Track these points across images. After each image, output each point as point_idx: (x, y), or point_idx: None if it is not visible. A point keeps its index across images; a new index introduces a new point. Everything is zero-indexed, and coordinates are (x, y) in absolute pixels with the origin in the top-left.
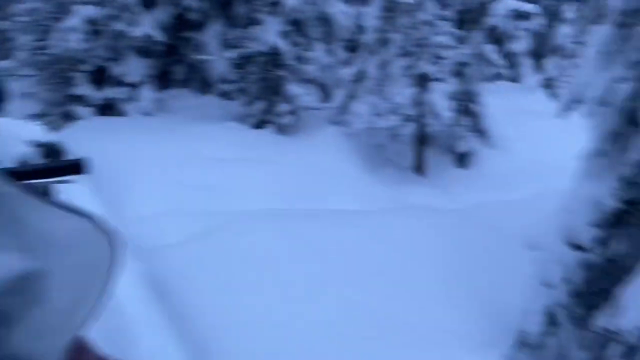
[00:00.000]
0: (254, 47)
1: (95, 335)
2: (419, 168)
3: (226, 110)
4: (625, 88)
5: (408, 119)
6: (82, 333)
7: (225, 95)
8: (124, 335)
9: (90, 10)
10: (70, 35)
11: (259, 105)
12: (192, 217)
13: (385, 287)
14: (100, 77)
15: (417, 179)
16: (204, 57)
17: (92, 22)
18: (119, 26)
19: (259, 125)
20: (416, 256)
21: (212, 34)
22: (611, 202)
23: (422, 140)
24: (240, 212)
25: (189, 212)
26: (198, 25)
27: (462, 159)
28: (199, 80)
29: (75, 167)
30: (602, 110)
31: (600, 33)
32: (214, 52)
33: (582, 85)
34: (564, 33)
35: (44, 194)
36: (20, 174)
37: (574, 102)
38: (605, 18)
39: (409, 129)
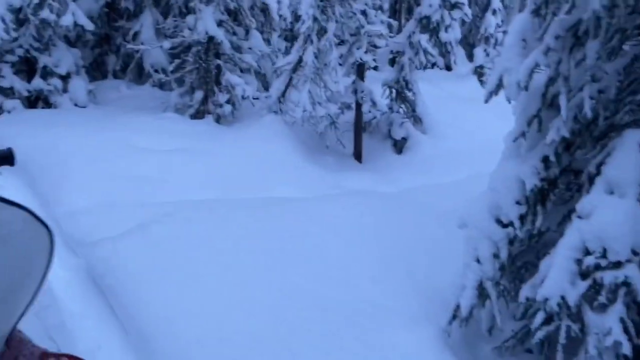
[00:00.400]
0: (190, 36)
1: (34, 332)
2: (358, 155)
3: (163, 100)
4: (542, 73)
5: (346, 106)
6: (20, 325)
7: (161, 85)
8: (63, 331)
9: None
10: None
11: (197, 95)
12: (129, 209)
13: (325, 269)
14: (29, 68)
15: (357, 165)
16: (138, 46)
17: (16, 10)
18: (44, 15)
19: (198, 115)
20: (355, 238)
21: (146, 23)
22: (532, 181)
23: (360, 127)
24: (178, 202)
25: (126, 204)
26: (131, 14)
27: (398, 145)
28: (134, 71)
29: (3, 158)
30: (523, 93)
31: (518, 20)
32: (149, 41)
33: (503, 70)
34: (492, 22)
35: None
36: None
37: (497, 87)
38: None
39: (347, 116)
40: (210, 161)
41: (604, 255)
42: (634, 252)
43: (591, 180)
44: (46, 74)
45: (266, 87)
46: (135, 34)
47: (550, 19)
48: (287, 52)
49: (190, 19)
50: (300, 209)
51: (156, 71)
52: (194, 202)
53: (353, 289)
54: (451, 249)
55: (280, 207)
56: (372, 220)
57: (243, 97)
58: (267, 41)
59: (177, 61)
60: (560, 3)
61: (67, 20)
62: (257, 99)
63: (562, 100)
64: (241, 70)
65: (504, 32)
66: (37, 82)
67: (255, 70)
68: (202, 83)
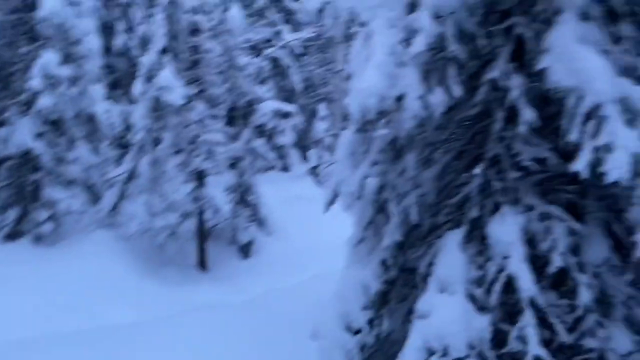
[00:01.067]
0: (3, 150)
1: None
2: (202, 264)
3: None
4: (372, 183)
5: (187, 215)
6: None
7: None
8: None
9: None
10: None
11: (11, 214)
12: None
13: None
14: None
15: (202, 275)
16: None
17: None
18: None
19: (12, 236)
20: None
21: None
22: (375, 285)
23: (203, 235)
24: None
25: None
26: None
27: (244, 249)
28: None
29: None
30: (357, 202)
31: (346, 136)
32: None
33: (338, 181)
34: (320, 128)
35: None
36: None
37: (334, 197)
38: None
39: (189, 225)
40: (31, 289)
41: (445, 353)
42: (471, 347)
43: (424, 279)
44: None
45: (96, 199)
46: None
47: (374, 137)
48: (118, 160)
49: (2, 131)
50: (136, 338)
51: None
52: (14, 342)
53: None
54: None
55: (112, 337)
56: (222, 339)
57: (66, 213)
58: (95, 150)
59: None
60: (379, 123)
61: None
62: (83, 212)
63: (392, 207)
64: (64, 183)
65: (333, 136)
66: None
67: (83, 182)
68: (18, 200)
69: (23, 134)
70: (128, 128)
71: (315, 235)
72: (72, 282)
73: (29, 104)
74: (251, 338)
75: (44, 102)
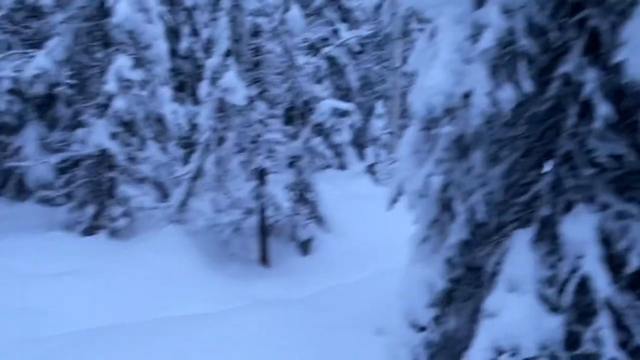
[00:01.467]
0: (80, 149)
1: None
2: (264, 259)
3: (48, 218)
4: (437, 181)
5: (249, 212)
6: None
7: (46, 201)
8: None
9: None
10: None
11: (89, 210)
12: (14, 348)
13: None
14: None
15: (264, 270)
16: (22, 163)
17: None
18: None
19: (90, 231)
20: (270, 353)
21: (29, 138)
22: (440, 283)
23: (265, 231)
24: (69, 335)
25: (10, 341)
26: (13, 129)
27: (303, 246)
28: (14, 187)
29: None
30: (422, 201)
31: (410, 134)
32: (33, 156)
33: (402, 180)
34: (377, 126)
35: None
36: None
37: (398, 195)
38: (409, 113)
39: (251, 221)
40: (105, 282)
41: (515, 352)
42: (542, 347)
43: (492, 278)
44: None
45: (164, 196)
46: (17, 149)
47: (438, 134)
48: (185, 159)
49: (80, 132)
50: (208, 328)
51: (41, 187)
52: (87, 332)
53: None
54: (368, 357)
55: (187, 327)
56: (288, 331)
57: (139, 209)
58: (164, 150)
59: (65, 176)
60: (444, 121)
61: None
62: (155, 209)
63: (457, 205)
64: (137, 181)
65: (390, 133)
66: None
67: (153, 180)
68: (94, 196)
69: (99, 134)
70: (193, 128)
71: (372, 233)
72: (144, 274)
73: (104, 107)
74: (315, 333)
75: (119, 104)
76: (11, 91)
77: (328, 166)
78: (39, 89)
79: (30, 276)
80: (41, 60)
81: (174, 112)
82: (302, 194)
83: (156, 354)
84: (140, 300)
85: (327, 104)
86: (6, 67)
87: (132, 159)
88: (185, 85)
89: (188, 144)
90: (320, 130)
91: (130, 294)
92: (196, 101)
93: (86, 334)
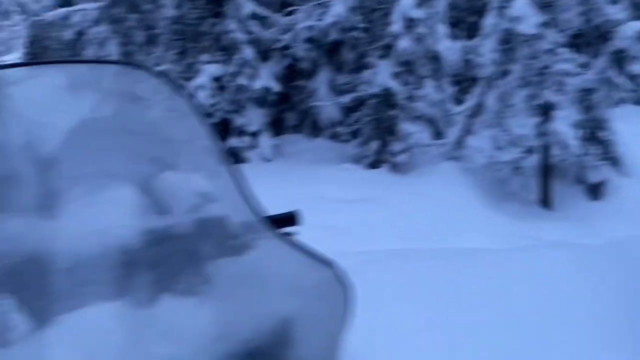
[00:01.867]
0: (366, 90)
1: None
2: (545, 201)
3: (338, 152)
4: None
5: (531, 150)
6: None
7: (336, 137)
8: None
9: (215, 69)
10: (199, 92)
11: (373, 146)
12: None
13: (537, 331)
14: (224, 129)
15: (545, 213)
16: (315, 103)
17: (217, 79)
18: (240, 81)
19: (374, 165)
20: (563, 296)
21: (321, 81)
22: None
23: (547, 171)
24: (370, 252)
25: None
26: (308, 74)
27: (593, 190)
28: (310, 125)
29: (291, 219)
30: None
31: None
32: (324, 97)
33: None
34: None
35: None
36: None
37: None
38: None
39: (532, 160)
40: (391, 210)
41: None
42: None
43: None
44: (238, 132)
45: (437, 134)
46: (312, 91)
47: None
48: (457, 97)
49: (366, 74)
50: (495, 261)
51: (331, 125)
52: (384, 251)
53: (571, 353)
54: None
55: (472, 258)
56: (580, 275)
57: (418, 145)
58: (439, 88)
59: (353, 115)
60: None
61: (258, 84)
62: (432, 146)
63: None
64: (415, 119)
65: None
66: (232, 140)
67: (428, 118)
68: (378, 133)
69: (383, 75)
70: (467, 64)
71: None
72: (424, 206)
73: (388, 47)
74: (615, 282)
75: (403, 44)
76: (308, 40)
77: (621, 101)
78: (333, 36)
79: (333, 200)
80: (338, 8)
81: (448, 48)
82: (593, 132)
83: (447, 280)
84: (423, 229)
85: (632, 27)
86: (304, 19)
87: (410, 98)
88: (460, 21)
89: (460, 81)
90: (620, 58)
91: (414, 223)
92: (470, 37)
93: (383, 254)
